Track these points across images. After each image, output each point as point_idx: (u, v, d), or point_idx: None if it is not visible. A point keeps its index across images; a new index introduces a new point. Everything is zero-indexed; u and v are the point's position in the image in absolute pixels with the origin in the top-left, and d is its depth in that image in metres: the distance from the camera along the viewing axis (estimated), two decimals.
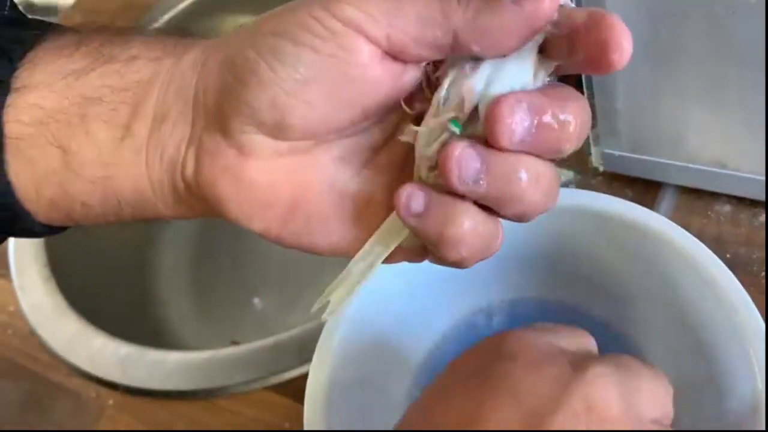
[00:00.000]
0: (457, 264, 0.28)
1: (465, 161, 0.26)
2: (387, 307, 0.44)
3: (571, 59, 0.26)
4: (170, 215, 0.32)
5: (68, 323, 0.66)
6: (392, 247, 0.29)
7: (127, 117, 0.30)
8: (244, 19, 0.94)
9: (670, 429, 0.31)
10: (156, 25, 0.92)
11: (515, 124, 0.25)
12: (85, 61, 0.30)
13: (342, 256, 0.30)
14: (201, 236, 0.88)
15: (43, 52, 0.31)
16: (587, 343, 0.34)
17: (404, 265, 0.31)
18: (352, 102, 0.27)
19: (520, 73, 0.26)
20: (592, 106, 0.51)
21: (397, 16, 0.26)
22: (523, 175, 0.26)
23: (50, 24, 0.33)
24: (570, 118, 0.26)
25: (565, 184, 0.59)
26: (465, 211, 0.27)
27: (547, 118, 0.25)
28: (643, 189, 0.57)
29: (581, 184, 0.59)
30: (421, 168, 0.28)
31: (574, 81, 0.48)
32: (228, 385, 0.59)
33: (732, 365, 0.40)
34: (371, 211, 0.29)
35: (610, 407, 0.28)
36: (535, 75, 0.26)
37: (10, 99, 0.30)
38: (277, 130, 0.27)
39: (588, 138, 0.55)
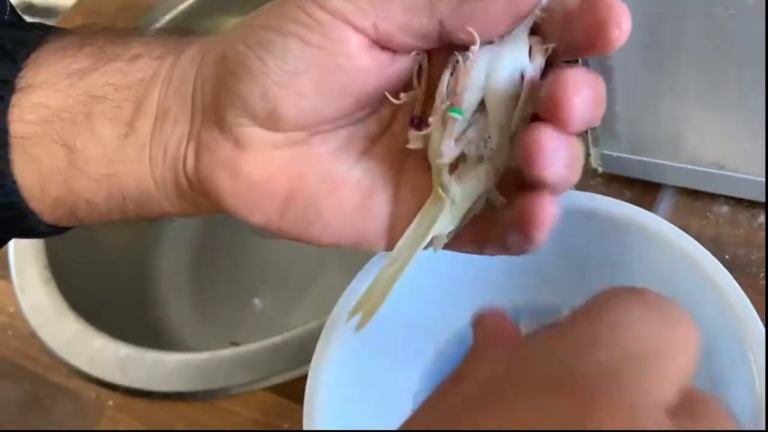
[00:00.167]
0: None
1: (554, 151, 0.24)
2: (390, 308, 0.44)
3: (567, 42, 0.26)
4: (174, 212, 0.32)
5: (68, 324, 0.66)
6: (416, 254, 0.29)
7: (131, 114, 0.30)
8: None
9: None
10: (156, 25, 0.92)
11: (581, 105, 0.24)
12: (88, 60, 0.31)
13: (342, 248, 0.31)
14: (201, 237, 0.88)
15: (46, 52, 0.31)
16: None
17: (409, 270, 0.31)
18: (342, 92, 0.28)
19: (516, 57, 0.26)
20: None
21: (384, 5, 0.26)
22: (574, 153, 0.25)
23: (51, 27, 0.33)
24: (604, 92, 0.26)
25: None
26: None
27: (599, 93, 0.25)
28: (642, 190, 0.57)
29: (580, 186, 0.59)
30: (441, 173, 0.28)
31: None
32: (228, 386, 0.59)
33: (731, 366, 0.40)
34: (369, 201, 0.30)
35: None
36: (532, 58, 0.26)
37: (15, 99, 0.30)
38: (271, 122, 0.28)
39: (587, 139, 0.55)
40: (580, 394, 0.18)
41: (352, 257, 0.49)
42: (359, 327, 0.30)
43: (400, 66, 0.28)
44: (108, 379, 0.62)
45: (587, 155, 0.57)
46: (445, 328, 0.47)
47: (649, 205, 0.55)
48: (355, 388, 0.42)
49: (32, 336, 0.67)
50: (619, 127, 0.52)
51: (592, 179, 0.59)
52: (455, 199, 0.28)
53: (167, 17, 0.92)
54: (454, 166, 0.28)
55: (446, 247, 0.30)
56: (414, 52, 0.28)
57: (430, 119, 0.28)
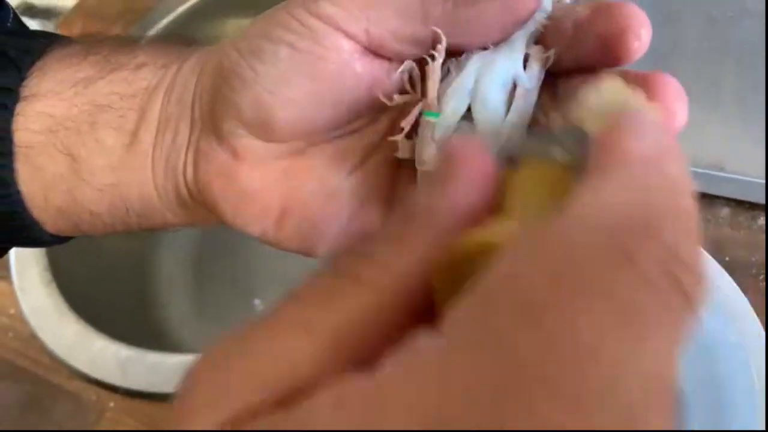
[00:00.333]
0: None
1: None
2: None
3: (577, 54, 0.25)
4: (177, 223, 0.32)
5: (69, 326, 0.66)
6: None
7: (135, 123, 0.30)
8: (245, 22, 0.94)
9: None
10: (156, 27, 0.92)
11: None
12: (93, 69, 0.31)
13: None
14: (201, 238, 0.88)
15: (51, 61, 0.31)
16: None
17: None
18: (335, 100, 0.27)
19: (510, 65, 0.26)
20: None
21: (376, 11, 0.26)
22: None
23: (55, 35, 0.33)
24: None
25: None
26: None
27: None
28: None
29: None
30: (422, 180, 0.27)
31: None
32: None
33: (731, 367, 0.40)
34: (364, 212, 0.29)
35: None
36: (529, 67, 0.26)
37: (20, 107, 0.30)
38: (264, 130, 0.27)
39: None
40: None
41: None
42: None
43: (394, 74, 0.27)
44: (108, 380, 0.62)
45: None
46: None
47: None
48: None
49: (33, 337, 0.67)
50: None
51: None
52: None
53: (167, 19, 0.92)
54: None
55: None
56: (409, 60, 0.27)
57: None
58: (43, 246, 0.34)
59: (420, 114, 0.26)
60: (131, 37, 0.33)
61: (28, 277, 0.71)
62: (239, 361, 0.15)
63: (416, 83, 0.27)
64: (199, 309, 0.84)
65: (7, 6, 0.35)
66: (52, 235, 0.32)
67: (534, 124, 0.26)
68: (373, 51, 0.26)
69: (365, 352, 0.14)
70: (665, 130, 0.16)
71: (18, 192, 0.30)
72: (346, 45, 0.26)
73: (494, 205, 0.18)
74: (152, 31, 0.91)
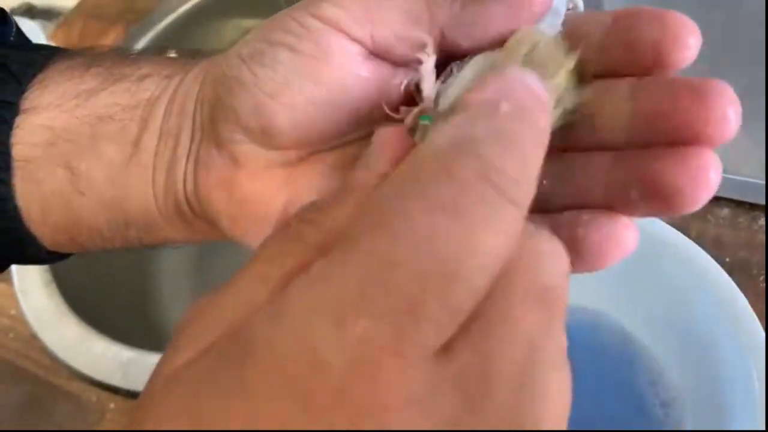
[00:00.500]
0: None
1: None
2: None
3: (602, 59, 0.24)
4: (177, 238, 0.31)
5: (69, 327, 0.66)
6: None
7: (136, 135, 0.29)
8: (245, 23, 0.94)
9: None
10: (157, 28, 0.92)
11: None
12: (95, 81, 0.30)
13: None
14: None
15: (53, 73, 0.31)
16: None
17: None
18: (338, 105, 0.26)
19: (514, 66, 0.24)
20: None
21: (381, 14, 0.25)
22: None
23: (58, 48, 0.33)
24: None
25: None
26: None
27: None
28: None
29: None
30: None
31: None
32: None
33: (731, 367, 0.40)
34: None
35: None
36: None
37: (19, 120, 0.30)
38: (265, 137, 0.26)
39: None
40: None
41: None
42: None
43: (401, 79, 0.26)
44: (109, 381, 0.62)
45: None
46: None
47: None
48: None
49: (33, 338, 0.67)
50: None
51: None
52: None
53: (167, 20, 0.92)
54: None
55: None
56: (416, 69, 0.26)
57: None
58: (41, 263, 0.33)
59: (415, 116, 0.25)
60: (134, 50, 0.33)
61: (29, 278, 0.71)
62: (211, 310, 0.19)
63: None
64: None
65: (10, 21, 0.35)
66: (49, 252, 0.32)
67: None
68: (378, 55, 0.25)
69: None
70: (517, 84, 0.19)
71: (15, 207, 0.30)
72: (350, 48, 0.25)
73: None
74: (152, 32, 0.91)
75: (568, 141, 0.24)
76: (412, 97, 0.26)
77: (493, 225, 0.17)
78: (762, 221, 0.54)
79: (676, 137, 0.22)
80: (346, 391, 0.15)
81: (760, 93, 0.45)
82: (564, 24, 0.25)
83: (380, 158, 0.22)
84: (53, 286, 0.70)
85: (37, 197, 0.30)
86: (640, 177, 0.22)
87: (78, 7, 0.99)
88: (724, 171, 0.55)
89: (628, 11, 0.23)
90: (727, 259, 0.52)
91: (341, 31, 0.25)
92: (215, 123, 0.28)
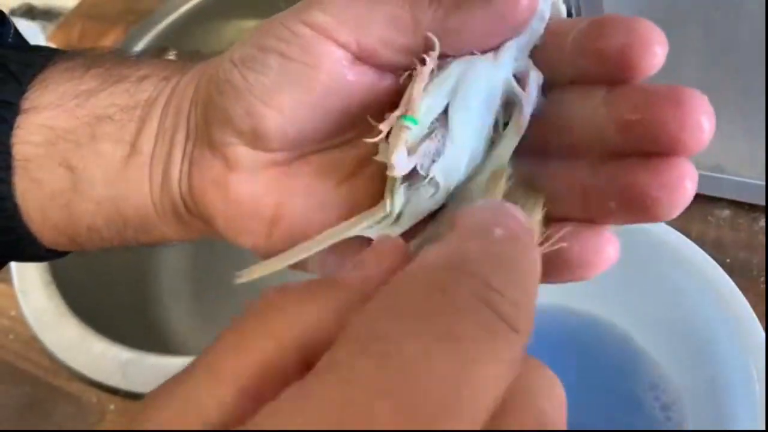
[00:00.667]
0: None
1: None
2: None
3: (574, 67, 0.24)
4: (174, 238, 0.32)
5: (69, 328, 0.66)
6: (326, 244, 0.27)
7: (134, 135, 0.30)
8: (245, 24, 0.94)
9: None
10: (157, 28, 0.92)
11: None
12: (94, 82, 0.30)
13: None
14: (202, 240, 0.88)
15: (53, 73, 0.31)
16: None
17: None
18: (326, 109, 0.26)
19: (496, 71, 0.25)
20: None
21: (366, 20, 0.25)
22: None
23: (58, 50, 0.33)
24: None
25: None
26: None
27: None
28: None
29: None
30: (392, 186, 0.26)
31: None
32: None
33: (731, 368, 0.40)
34: None
35: None
36: (527, 88, 0.25)
37: (20, 120, 0.30)
38: (255, 139, 0.27)
39: None
40: None
41: None
42: (238, 279, 0.29)
43: (387, 84, 0.26)
44: (109, 382, 0.62)
45: None
46: None
47: None
48: None
49: (33, 339, 0.67)
50: None
51: None
52: (394, 214, 0.26)
53: (168, 21, 0.92)
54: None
55: None
56: (407, 71, 0.26)
57: None
58: (40, 260, 0.34)
59: (398, 117, 0.25)
60: (134, 51, 0.33)
61: (29, 279, 0.71)
62: (156, 412, 0.16)
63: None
64: (199, 311, 0.84)
65: (8, 22, 0.35)
66: (48, 250, 0.32)
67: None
68: (365, 60, 0.26)
69: (270, 395, 0.15)
70: (507, 214, 0.18)
71: (15, 206, 0.30)
72: (337, 54, 0.26)
73: None
74: (152, 33, 0.91)
75: (545, 148, 0.25)
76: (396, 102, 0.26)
77: (493, 355, 0.15)
78: (762, 222, 0.54)
79: (651, 145, 0.22)
80: None
81: (760, 95, 0.45)
82: (546, 29, 0.25)
83: (373, 263, 0.20)
84: (53, 287, 0.70)
85: (36, 196, 0.30)
86: (617, 188, 0.23)
87: (78, 7, 0.99)
88: (725, 172, 0.56)
89: (599, 19, 0.23)
90: (728, 260, 0.52)
91: (329, 37, 0.25)
92: (209, 125, 0.28)
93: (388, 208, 0.26)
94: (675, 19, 0.44)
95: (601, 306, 0.47)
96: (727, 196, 0.54)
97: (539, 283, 0.18)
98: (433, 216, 0.26)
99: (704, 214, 0.55)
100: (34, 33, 0.99)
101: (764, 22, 0.41)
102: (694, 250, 0.42)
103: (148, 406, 0.16)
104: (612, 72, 0.23)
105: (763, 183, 0.51)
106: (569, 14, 0.26)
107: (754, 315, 0.39)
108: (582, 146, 0.24)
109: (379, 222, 0.26)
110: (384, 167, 0.26)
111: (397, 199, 0.26)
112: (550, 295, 0.48)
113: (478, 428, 0.15)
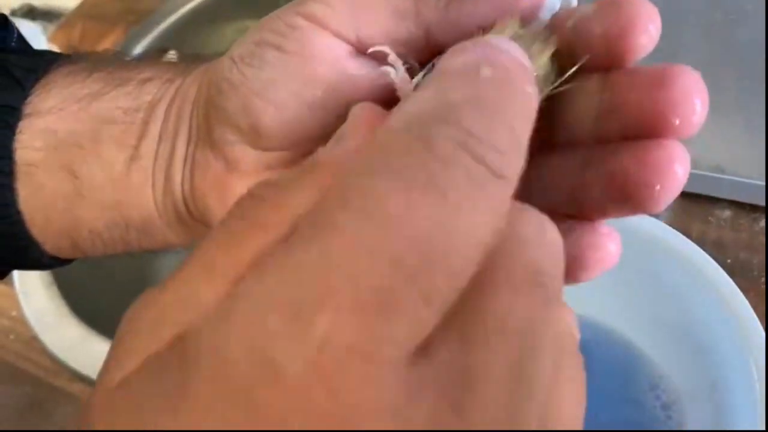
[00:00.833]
0: None
1: None
2: None
3: (577, 53, 0.23)
4: (176, 242, 0.31)
5: (70, 328, 0.66)
6: None
7: (137, 138, 0.30)
8: (245, 25, 0.94)
9: None
10: (158, 29, 0.92)
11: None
12: (98, 85, 0.30)
13: None
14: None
15: (56, 77, 0.31)
16: None
17: None
18: (326, 104, 0.25)
19: None
20: None
21: (366, 11, 0.24)
22: None
23: (61, 54, 0.33)
24: None
25: None
26: None
27: None
28: None
29: None
30: None
31: None
32: None
33: (732, 369, 0.40)
34: None
35: None
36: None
37: (22, 125, 0.30)
38: (255, 136, 0.26)
39: None
40: None
41: None
42: None
43: (386, 77, 0.25)
44: None
45: None
46: None
47: None
48: None
49: (34, 340, 0.67)
50: None
51: None
52: None
53: (168, 21, 0.92)
54: None
55: None
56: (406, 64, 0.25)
57: None
58: (43, 268, 0.33)
59: None
60: (135, 52, 0.33)
61: (30, 279, 0.71)
62: (152, 313, 0.16)
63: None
64: None
65: (11, 26, 0.35)
66: (51, 257, 0.32)
67: None
68: (365, 53, 0.25)
69: None
70: (497, 49, 0.18)
71: (18, 212, 0.30)
72: (336, 46, 0.25)
73: None
74: (153, 33, 0.91)
75: (538, 140, 0.23)
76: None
77: (477, 202, 0.15)
78: (763, 223, 0.54)
79: (640, 129, 0.21)
80: (303, 402, 0.13)
81: (761, 95, 0.45)
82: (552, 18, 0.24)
83: (353, 134, 0.19)
84: (54, 288, 0.70)
85: (39, 201, 0.30)
86: (606, 175, 0.21)
87: (79, 8, 0.99)
88: (725, 172, 0.56)
89: (596, 3, 0.22)
90: (728, 261, 0.52)
91: (327, 29, 0.25)
92: (209, 125, 0.28)
93: None
94: (675, 19, 0.44)
95: (602, 306, 0.47)
96: (728, 196, 0.54)
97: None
98: None
99: (705, 215, 0.55)
100: (34, 34, 0.99)
101: (764, 22, 0.41)
102: (695, 251, 0.42)
103: (149, 299, 0.17)
104: (604, 56, 0.22)
105: (764, 183, 0.51)
106: None
107: (755, 315, 0.39)
108: (576, 139, 0.23)
109: None
110: None
111: None
112: None
113: (465, 281, 0.15)
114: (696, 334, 0.42)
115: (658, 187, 0.20)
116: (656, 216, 0.54)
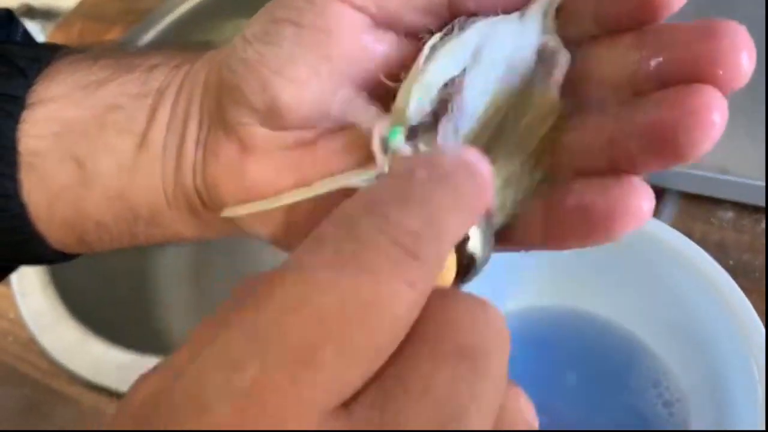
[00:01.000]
0: None
1: None
2: None
3: (602, 15, 0.23)
4: (187, 235, 0.30)
5: (68, 330, 0.66)
6: (321, 191, 0.26)
7: (145, 125, 0.29)
8: (245, 23, 0.94)
9: None
10: (157, 28, 0.92)
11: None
12: (104, 72, 0.29)
13: None
14: (202, 242, 0.88)
15: (61, 65, 0.30)
16: None
17: None
18: (345, 79, 0.25)
19: (522, 36, 0.23)
20: None
21: None
22: None
23: (64, 46, 0.32)
24: None
25: None
26: None
27: None
28: None
29: None
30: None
31: None
32: None
33: (733, 370, 0.40)
34: None
35: None
36: (549, 63, 0.23)
37: (26, 114, 0.29)
38: (272, 116, 0.25)
39: None
40: None
41: None
42: (225, 213, 0.28)
43: (414, 50, 0.24)
44: (108, 385, 0.62)
45: None
46: None
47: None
48: None
49: (32, 342, 0.67)
50: None
51: None
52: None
53: (167, 20, 0.92)
54: None
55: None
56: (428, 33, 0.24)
57: None
58: (46, 263, 0.32)
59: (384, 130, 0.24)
60: (143, 46, 0.33)
61: (28, 281, 0.70)
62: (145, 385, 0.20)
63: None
64: (199, 313, 0.84)
65: (17, 20, 0.34)
66: (55, 252, 0.31)
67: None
68: (385, 24, 0.24)
69: None
70: (449, 157, 0.19)
71: (21, 205, 0.29)
72: (354, 17, 0.24)
73: None
74: (152, 32, 0.91)
75: (572, 101, 0.23)
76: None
77: (394, 276, 0.17)
78: (765, 224, 0.53)
79: (687, 82, 0.20)
80: None
81: (761, 98, 0.45)
82: None
83: None
84: (52, 289, 0.69)
85: (43, 193, 0.29)
86: (642, 126, 0.21)
87: (77, 8, 0.99)
88: (728, 174, 0.55)
89: None
90: (731, 262, 0.52)
91: (345, 1, 0.24)
92: (222, 107, 0.27)
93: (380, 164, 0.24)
94: (675, 19, 0.43)
95: (605, 306, 0.47)
96: (731, 198, 0.54)
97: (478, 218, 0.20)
98: None
99: (707, 216, 0.55)
100: (33, 33, 0.98)
101: (764, 22, 0.41)
102: (697, 252, 0.42)
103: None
104: (636, 12, 0.22)
105: (766, 185, 0.51)
106: None
107: (757, 316, 0.39)
108: (613, 97, 0.22)
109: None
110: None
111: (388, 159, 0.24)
112: (554, 296, 0.48)
113: (386, 347, 0.16)
114: (698, 334, 0.42)
115: (692, 131, 0.20)
116: (658, 217, 0.54)
